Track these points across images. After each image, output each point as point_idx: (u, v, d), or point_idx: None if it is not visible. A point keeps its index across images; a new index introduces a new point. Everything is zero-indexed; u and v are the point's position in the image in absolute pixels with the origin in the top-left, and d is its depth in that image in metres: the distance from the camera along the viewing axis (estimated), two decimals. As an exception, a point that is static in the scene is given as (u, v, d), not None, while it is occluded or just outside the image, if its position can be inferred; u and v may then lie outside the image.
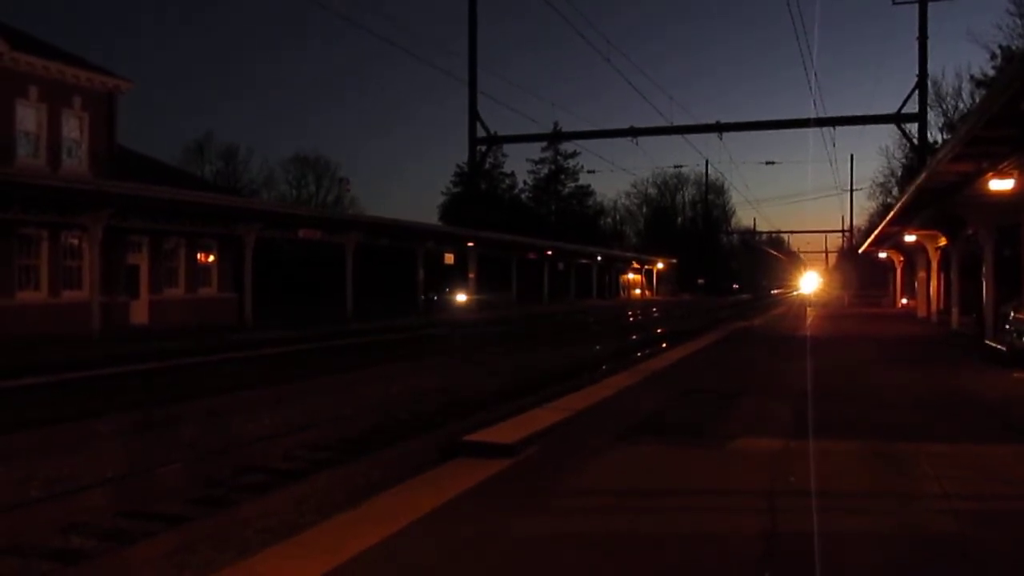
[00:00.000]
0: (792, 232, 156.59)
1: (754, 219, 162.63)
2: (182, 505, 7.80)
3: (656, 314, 52.56)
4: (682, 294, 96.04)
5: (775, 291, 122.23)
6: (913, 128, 41.26)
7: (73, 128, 28.92)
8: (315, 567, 4.42)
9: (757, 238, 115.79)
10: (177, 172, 43.78)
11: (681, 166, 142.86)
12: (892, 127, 43.66)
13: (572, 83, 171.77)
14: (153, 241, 31.73)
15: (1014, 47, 40.46)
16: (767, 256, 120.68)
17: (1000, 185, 14.49)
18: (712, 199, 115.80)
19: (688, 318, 45.41)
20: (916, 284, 37.32)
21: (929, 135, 42.73)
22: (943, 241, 26.33)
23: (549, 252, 59.01)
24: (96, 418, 11.74)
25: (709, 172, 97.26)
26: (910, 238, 29.35)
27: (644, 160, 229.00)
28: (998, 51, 42.75)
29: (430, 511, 5.52)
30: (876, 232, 36.03)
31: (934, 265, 30.54)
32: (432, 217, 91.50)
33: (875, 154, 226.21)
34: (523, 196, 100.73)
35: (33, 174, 24.59)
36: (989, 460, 7.35)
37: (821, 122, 41.34)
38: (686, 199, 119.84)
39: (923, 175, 18.08)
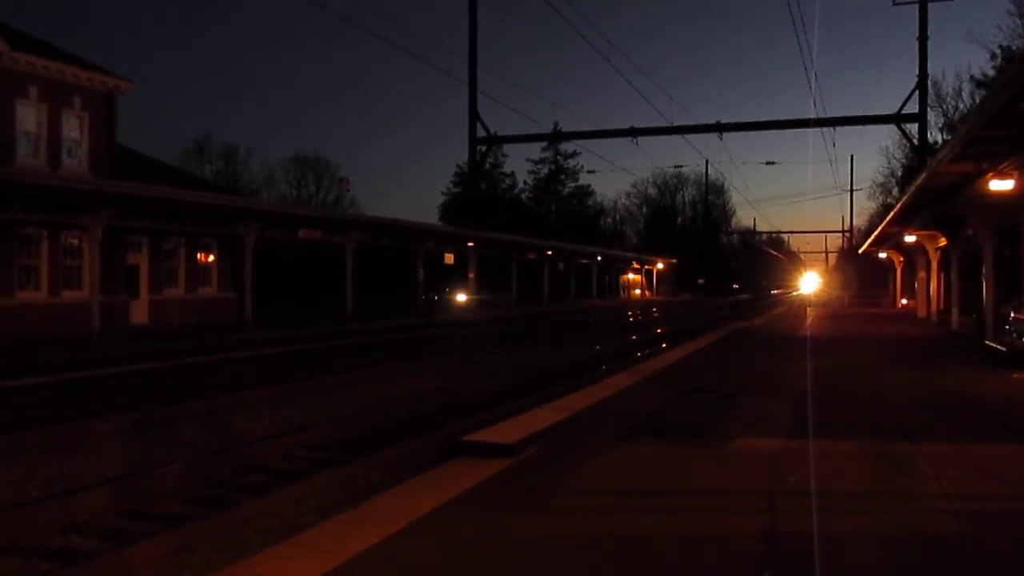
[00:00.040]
0: (792, 232, 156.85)
1: (754, 219, 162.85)
2: (182, 505, 7.80)
3: (656, 314, 52.56)
4: (682, 294, 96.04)
5: (775, 291, 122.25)
6: (913, 128, 41.29)
7: (73, 128, 28.92)
8: (315, 567, 4.42)
9: (757, 238, 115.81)
10: (177, 172, 43.78)
11: (681, 166, 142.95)
12: (892, 127, 43.69)
13: (572, 83, 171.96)
14: (153, 241, 31.74)
15: (1014, 47, 40.49)
16: (767, 256, 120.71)
17: (1000, 185, 14.49)
18: (712, 199, 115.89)
19: (688, 318, 45.41)
20: (916, 284, 37.32)
21: (929, 135, 42.77)
22: (943, 241, 26.33)
23: (549, 252, 59.01)
24: (96, 418, 11.74)
25: (709, 172, 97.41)
26: (910, 238, 29.35)
27: (644, 160, 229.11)
28: (998, 51, 42.78)
29: (430, 511, 5.52)
30: (876, 232, 36.04)
31: (934, 265, 30.54)
32: (432, 217, 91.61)
33: (875, 154, 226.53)
34: (523, 196, 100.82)
35: (33, 174, 24.58)
36: (989, 460, 7.35)
37: (821, 122, 41.37)
38: (686, 199, 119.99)
39: (923, 175, 18.08)
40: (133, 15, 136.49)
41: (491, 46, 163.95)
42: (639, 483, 6.52)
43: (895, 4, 40.63)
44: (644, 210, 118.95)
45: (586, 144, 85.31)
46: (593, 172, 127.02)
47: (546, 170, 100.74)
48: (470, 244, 45.94)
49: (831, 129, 43.34)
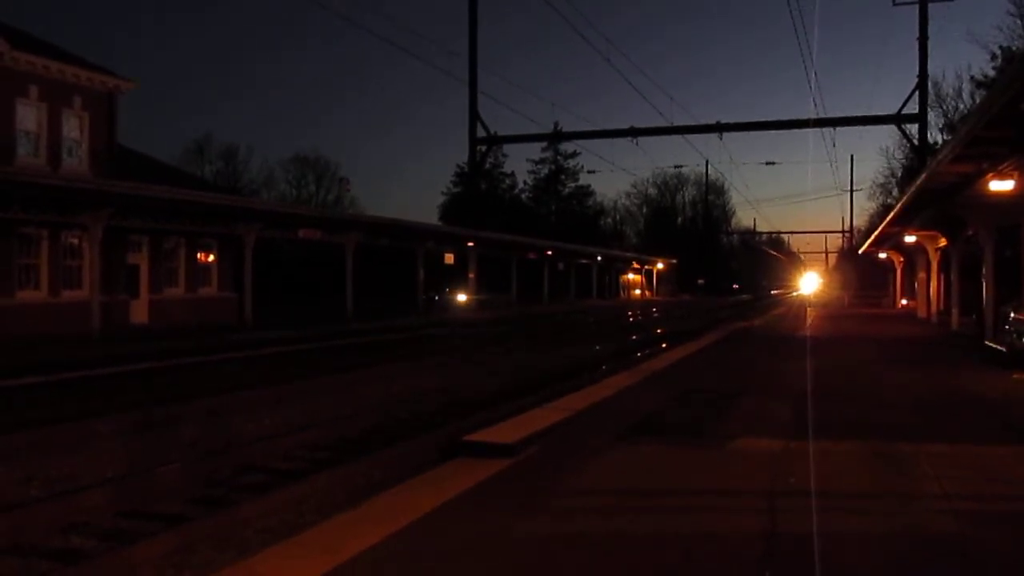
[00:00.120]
0: (792, 232, 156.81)
1: (754, 219, 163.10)
2: (182, 505, 7.79)
3: (656, 314, 52.55)
4: (682, 294, 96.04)
5: (775, 291, 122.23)
6: (913, 129, 41.30)
7: (73, 128, 28.92)
8: (315, 567, 4.42)
9: (757, 238, 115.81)
10: (177, 172, 43.79)
11: (681, 166, 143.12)
12: (892, 128, 43.71)
13: (572, 83, 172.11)
14: (153, 241, 31.74)
15: (1014, 48, 40.47)
16: (767, 256, 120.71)
17: (1000, 186, 14.49)
18: (712, 199, 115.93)
19: (688, 318, 45.41)
20: (916, 285, 37.32)
21: (929, 136, 42.77)
22: (943, 242, 26.33)
23: (549, 252, 59.01)
24: (96, 418, 11.74)
25: (709, 172, 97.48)
26: (910, 239, 29.35)
27: (644, 160, 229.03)
28: (998, 52, 42.77)
29: (430, 511, 5.52)
30: (876, 233, 36.03)
31: (934, 266, 30.54)
32: (432, 217, 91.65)
33: (875, 155, 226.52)
34: (523, 196, 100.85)
35: (33, 173, 24.57)
36: (989, 460, 7.35)
37: (821, 122, 41.41)
38: (686, 199, 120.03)
39: (923, 176, 18.08)
40: (133, 15, 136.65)
41: (491, 46, 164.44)
42: (639, 483, 6.52)
43: (895, 4, 40.67)
44: (644, 210, 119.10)
45: (586, 144, 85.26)
46: (593, 172, 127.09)
47: (546, 170, 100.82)
48: (470, 244, 45.94)
49: (831, 129, 43.45)
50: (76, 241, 28.19)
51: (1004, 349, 15.58)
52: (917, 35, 40.01)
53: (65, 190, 23.66)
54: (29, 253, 26.95)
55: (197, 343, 22.87)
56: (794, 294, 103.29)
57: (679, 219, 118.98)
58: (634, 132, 44.21)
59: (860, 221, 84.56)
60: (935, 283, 31.19)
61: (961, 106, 49.68)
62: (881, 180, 68.70)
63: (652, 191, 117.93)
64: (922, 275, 33.90)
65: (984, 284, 19.00)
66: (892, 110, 41.85)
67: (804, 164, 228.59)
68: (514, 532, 5.12)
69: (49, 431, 10.84)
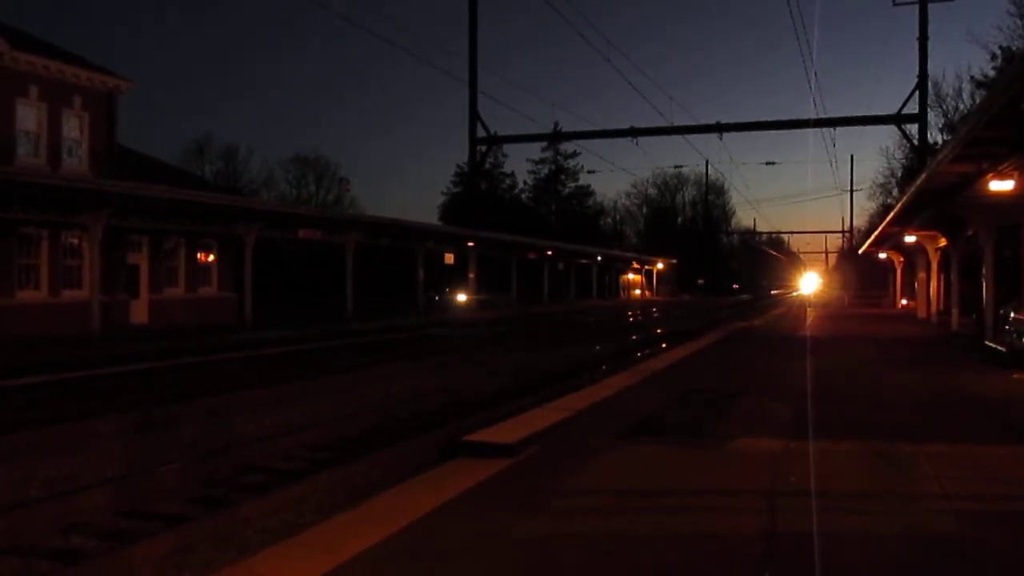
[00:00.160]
0: (792, 232, 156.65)
1: (754, 219, 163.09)
2: (182, 505, 7.79)
3: (656, 314, 52.56)
4: (682, 294, 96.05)
5: (775, 291, 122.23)
6: (913, 129, 41.29)
7: (73, 127, 28.92)
8: (315, 567, 4.42)
9: (757, 238, 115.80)
10: (177, 172, 43.77)
11: (681, 166, 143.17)
12: (892, 128, 43.69)
13: (572, 83, 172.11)
14: (153, 241, 31.74)
15: (1014, 48, 40.46)
16: (767, 256, 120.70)
17: (1000, 186, 14.49)
18: (712, 199, 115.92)
19: (688, 318, 45.42)
20: (916, 285, 37.31)
21: (929, 136, 42.77)
22: (943, 242, 26.33)
23: (549, 252, 59.01)
24: (96, 418, 11.74)
25: (709, 172, 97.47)
26: (910, 239, 29.35)
27: (644, 160, 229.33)
28: (998, 52, 42.74)
29: (430, 511, 5.52)
30: (876, 233, 36.03)
31: (934, 266, 30.54)
32: (432, 217, 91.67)
33: (875, 155, 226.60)
34: (523, 196, 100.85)
35: (33, 173, 24.58)
36: (989, 460, 7.35)
37: (821, 122, 41.40)
38: (686, 199, 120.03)
39: (923, 176, 18.08)
40: (133, 15, 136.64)
41: (491, 46, 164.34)
42: (639, 483, 6.52)
43: (895, 4, 40.66)
44: (644, 210, 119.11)
45: (586, 144, 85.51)
46: (593, 172, 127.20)
47: (546, 170, 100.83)
48: (470, 244, 45.94)
49: (831, 129, 43.40)
50: (76, 241, 28.20)
51: (1004, 349, 15.58)
52: (917, 35, 40.05)
53: (65, 190, 23.66)
54: (29, 253, 26.95)
55: (197, 343, 22.87)
56: (794, 294, 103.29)
57: (679, 219, 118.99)
58: (634, 132, 44.20)
59: (860, 221, 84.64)
60: (935, 283, 31.19)
61: (961, 106, 49.72)
62: (881, 180, 68.76)
63: (652, 191, 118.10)
64: (922, 275, 33.90)
65: (984, 284, 19.00)
66: (892, 110, 41.88)
67: (804, 164, 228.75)
68: (514, 532, 5.12)
69: (49, 431, 10.85)
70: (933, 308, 30.84)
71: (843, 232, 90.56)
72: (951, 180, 16.98)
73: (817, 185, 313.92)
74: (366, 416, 12.40)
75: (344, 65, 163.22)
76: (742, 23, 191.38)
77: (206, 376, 17.24)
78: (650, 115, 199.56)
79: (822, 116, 43.01)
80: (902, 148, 56.29)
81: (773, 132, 55.62)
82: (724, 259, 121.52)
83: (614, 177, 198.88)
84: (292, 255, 49.59)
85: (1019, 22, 42.13)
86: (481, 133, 47.11)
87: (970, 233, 21.59)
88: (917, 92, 40.27)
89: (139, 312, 31.00)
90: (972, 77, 49.32)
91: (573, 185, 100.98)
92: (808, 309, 48.64)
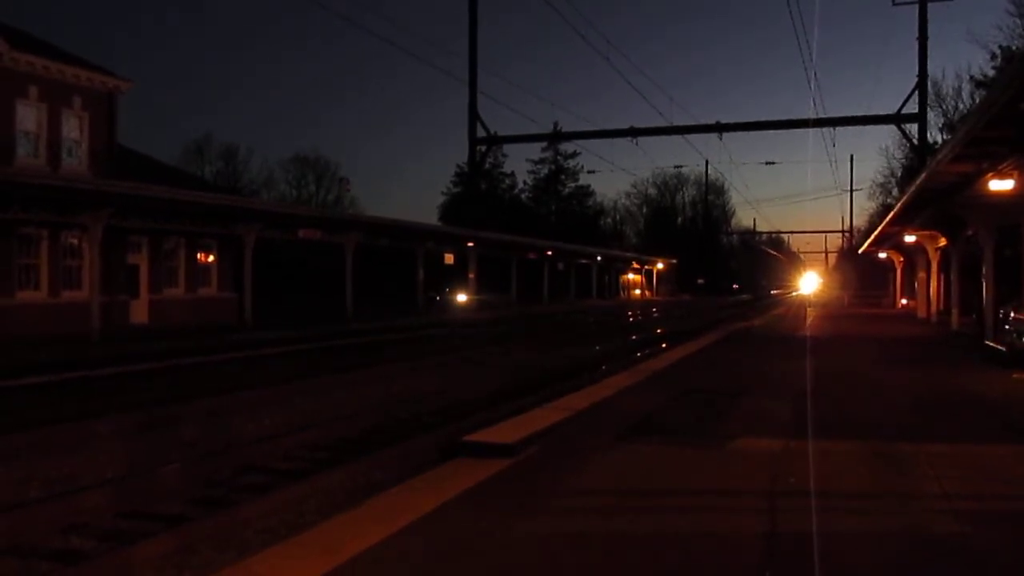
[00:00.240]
0: (792, 232, 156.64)
1: (754, 219, 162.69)
2: (182, 505, 7.79)
3: (656, 314, 52.56)
4: (682, 294, 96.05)
5: (775, 291, 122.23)
6: (913, 128, 41.33)
7: (73, 128, 28.92)
8: (315, 567, 4.42)
9: (757, 238, 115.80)
10: (177, 172, 43.80)
11: (681, 166, 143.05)
12: (892, 127, 43.73)
13: (572, 83, 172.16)
14: (153, 241, 31.73)
15: (1014, 47, 40.45)
16: (767, 256, 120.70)
17: (1000, 185, 14.49)
18: (712, 199, 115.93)
19: (688, 318, 45.42)
20: (916, 284, 37.31)
21: (929, 135, 42.79)
22: (943, 241, 26.33)
23: (549, 252, 59.01)
24: (96, 418, 11.74)
25: (709, 172, 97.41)
26: (910, 238, 29.35)
27: (644, 160, 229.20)
28: (998, 51, 42.73)
29: (430, 511, 5.51)
30: (876, 232, 36.03)
31: (934, 265, 30.53)
32: (432, 217, 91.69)
33: (875, 154, 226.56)
34: (523, 196, 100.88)
35: (33, 174, 24.58)
36: (989, 460, 7.35)
37: (821, 122, 41.44)
38: (686, 199, 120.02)
39: (923, 176, 18.08)
40: (133, 15, 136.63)
41: (491, 46, 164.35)
42: (639, 483, 6.52)
43: (895, 4, 40.68)
44: (644, 210, 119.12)
45: (586, 144, 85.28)
46: (593, 172, 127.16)
47: (546, 170, 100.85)
48: (470, 244, 45.94)
49: (831, 129, 43.46)
50: (76, 241, 28.18)
51: (1004, 349, 15.58)
52: (917, 35, 40.06)
53: (65, 190, 23.65)
54: (29, 253, 26.94)
55: (197, 343, 22.87)
56: (794, 294, 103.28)
57: (679, 219, 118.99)
58: (634, 132, 44.22)
59: (860, 221, 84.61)
60: (935, 283, 31.19)
61: (961, 106, 49.72)
62: (881, 180, 68.77)
63: (652, 191, 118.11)
64: (922, 275, 33.90)
65: (984, 284, 19.00)
66: (892, 110, 41.91)
67: (804, 164, 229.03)
68: (514, 532, 5.12)
69: (49, 431, 10.85)
70: (933, 308, 30.84)
71: (843, 232, 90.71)
72: (951, 180, 16.98)
73: (817, 185, 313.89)
74: (366, 416, 12.39)
75: (344, 65, 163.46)
76: (742, 23, 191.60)
77: (206, 376, 17.24)
78: (650, 115, 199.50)
79: (822, 116, 43.08)
80: (902, 148, 56.37)
81: (773, 132, 55.67)
82: (724, 259, 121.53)
83: (614, 177, 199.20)
84: (292, 255, 49.47)
85: (1019, 22, 42.15)
86: (481, 133, 47.15)
87: (970, 233, 21.58)
88: (917, 92, 40.30)
89: (139, 312, 30.99)
90: (972, 77, 49.33)
91: (573, 185, 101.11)
92: (808, 309, 48.65)
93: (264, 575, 4.45)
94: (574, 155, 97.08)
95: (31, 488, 8.35)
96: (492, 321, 38.34)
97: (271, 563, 4.60)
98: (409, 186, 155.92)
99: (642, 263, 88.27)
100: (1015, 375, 13.56)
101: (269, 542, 5.49)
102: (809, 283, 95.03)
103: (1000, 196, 15.16)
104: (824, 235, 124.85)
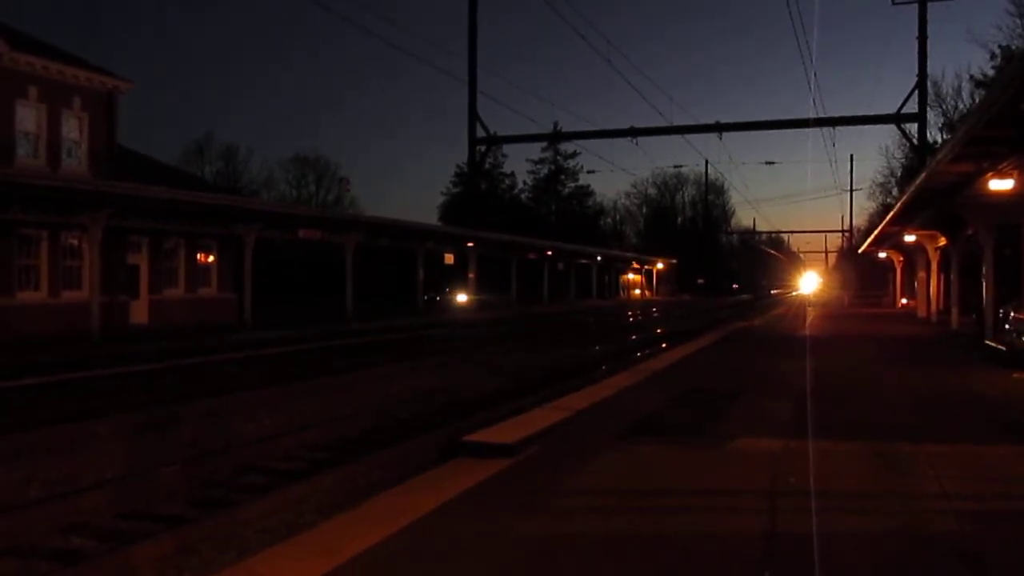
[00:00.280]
0: (792, 232, 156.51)
1: (754, 219, 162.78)
2: (182, 506, 7.79)
3: (656, 314, 52.55)
4: (682, 294, 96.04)
5: (775, 291, 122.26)
6: (913, 128, 41.34)
7: (73, 128, 28.90)
8: (315, 567, 4.42)
9: (757, 238, 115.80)
10: (177, 172, 43.79)
11: (681, 166, 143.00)
12: (892, 127, 43.74)
13: (572, 83, 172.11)
14: (153, 241, 31.72)
15: (1014, 47, 40.45)
16: (767, 256, 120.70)
17: (1000, 185, 14.49)
18: (712, 199, 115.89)
19: (688, 318, 45.42)
20: (916, 284, 37.32)
21: (929, 135, 42.81)
22: (943, 241, 26.33)
23: (549, 252, 59.01)
24: (96, 419, 11.73)
25: (709, 172, 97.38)
26: (910, 238, 29.35)
27: (644, 160, 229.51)
28: (998, 51, 42.72)
29: (430, 511, 5.52)
30: (876, 232, 36.03)
31: (934, 265, 30.54)
32: (432, 217, 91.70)
33: (875, 154, 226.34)
34: (523, 196, 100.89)
35: (33, 174, 24.57)
36: (989, 460, 7.35)
37: (821, 122, 41.40)
38: (686, 199, 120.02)
39: (923, 175, 18.08)
40: (133, 15, 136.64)
41: (491, 46, 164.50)
42: (639, 483, 6.52)
43: (894, 4, 40.68)
44: (644, 210, 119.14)
45: (586, 144, 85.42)
46: (593, 172, 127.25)
47: (546, 170, 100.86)
48: (470, 244, 45.94)
49: (831, 129, 43.41)
50: (76, 242, 28.17)
51: (1004, 348, 15.58)
52: (917, 35, 40.06)
53: (64, 191, 23.65)
54: (29, 254, 26.93)
55: (197, 343, 22.87)
56: (794, 294, 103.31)
57: (679, 219, 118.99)
58: (634, 132, 44.23)
59: (860, 221, 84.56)
60: (935, 282, 31.19)
61: (961, 105, 49.71)
62: (881, 180, 68.76)
63: (652, 191, 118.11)
64: (922, 274, 33.91)
65: (984, 283, 19.00)
66: (892, 110, 41.91)
67: (804, 164, 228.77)
68: (514, 532, 5.12)
69: (48, 432, 10.83)
70: (933, 307, 30.84)
71: (843, 232, 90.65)
72: (951, 179, 16.98)
73: (817, 185, 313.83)
74: (366, 416, 12.39)
75: (344, 65, 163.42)
76: (742, 23, 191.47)
77: (206, 377, 17.23)
78: (650, 115, 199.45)
79: (822, 116, 43.06)
80: (902, 147, 56.37)
81: (773, 132, 55.68)
82: (724, 259, 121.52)
83: (614, 177, 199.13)
84: (292, 255, 49.49)
85: (1018, 21, 42.14)
86: (481, 133, 47.16)
87: (970, 232, 21.59)
88: (917, 91, 40.31)
89: (139, 313, 30.99)
90: (972, 76, 49.35)
91: (573, 185, 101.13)
92: (808, 309, 48.66)
93: (264, 575, 4.45)
94: (574, 155, 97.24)
95: (31, 488, 8.35)
96: (492, 321, 38.33)
97: (271, 563, 4.61)
98: (409, 186, 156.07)
99: (642, 263, 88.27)
100: (1015, 375, 13.57)
101: (269, 542, 5.50)
102: (809, 283, 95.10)
103: (1000, 196, 15.16)
104: (824, 235, 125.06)
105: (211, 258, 35.31)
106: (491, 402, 13.67)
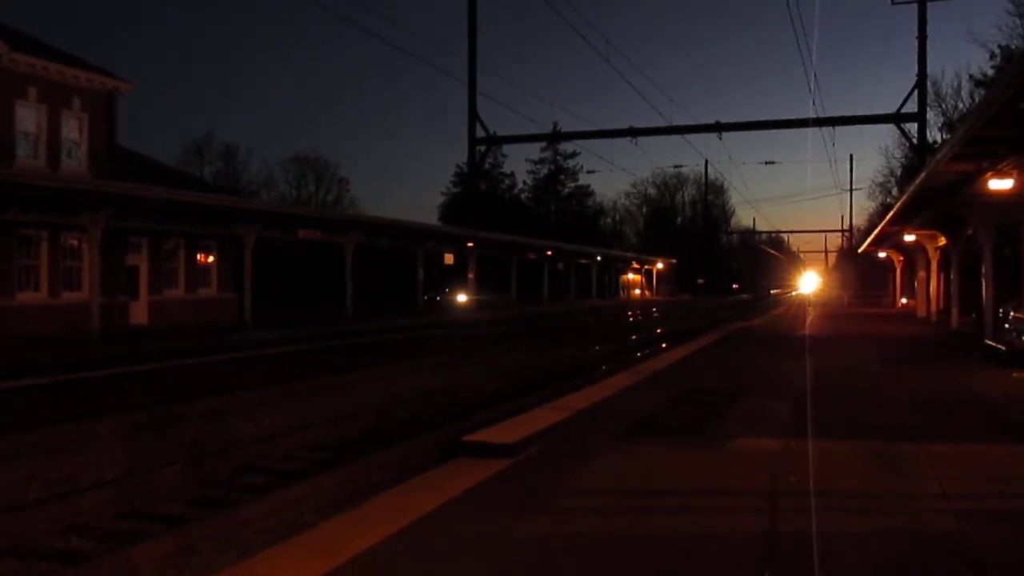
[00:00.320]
0: (792, 232, 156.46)
1: (754, 219, 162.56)
2: (182, 506, 7.79)
3: (656, 314, 52.56)
4: (682, 294, 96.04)
5: (775, 291, 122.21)
6: (913, 128, 41.35)
7: (73, 129, 28.90)
8: (315, 567, 4.42)
9: (757, 238, 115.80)
10: (176, 172, 43.79)
11: (681, 166, 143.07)
12: (892, 127, 43.77)
13: (572, 83, 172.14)
14: (153, 242, 31.72)
15: (1013, 47, 40.41)
16: (767, 256, 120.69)
17: (1000, 185, 14.49)
18: (712, 199, 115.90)
19: (688, 318, 45.42)
20: (916, 284, 37.32)
21: (929, 135, 42.80)
22: (943, 241, 26.33)
23: (549, 252, 59.01)
24: (95, 419, 11.73)
25: (709, 172, 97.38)
26: (910, 238, 29.35)
27: (644, 160, 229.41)
28: (997, 51, 42.66)
29: (430, 511, 5.52)
30: (876, 232, 36.03)
31: (934, 265, 30.54)
32: (432, 217, 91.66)
33: (875, 154, 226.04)
34: (523, 196, 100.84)
35: (33, 175, 24.56)
36: (989, 460, 7.35)
37: (820, 122, 41.39)
38: (686, 199, 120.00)
39: (923, 175, 18.08)
40: (133, 15, 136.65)
41: (491, 46, 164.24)
42: (639, 483, 6.52)
43: (894, 4, 40.68)
44: (644, 210, 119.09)
45: (586, 144, 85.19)
46: (593, 172, 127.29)
47: (546, 170, 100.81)
48: (470, 244, 45.93)
49: (831, 129, 43.40)
50: (76, 242, 28.16)
51: (1004, 348, 15.59)
52: (916, 35, 40.06)
53: (64, 191, 23.64)
54: (29, 254, 26.93)
55: (197, 344, 22.87)
56: (794, 293, 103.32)
57: (679, 219, 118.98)
58: (634, 132, 44.24)
59: (860, 220, 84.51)
60: (935, 282, 31.20)
61: (960, 105, 49.69)
62: (881, 179, 68.73)
63: (652, 191, 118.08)
64: (922, 274, 33.91)
65: (984, 283, 19.00)
66: (892, 109, 41.92)
67: (804, 164, 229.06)
68: (514, 532, 5.12)
69: (48, 432, 10.84)
70: (933, 307, 30.84)
71: (843, 231, 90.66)
72: (950, 179, 16.98)
73: (817, 184, 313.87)
74: (366, 416, 12.39)
75: (344, 65, 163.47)
76: (742, 23, 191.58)
77: (206, 377, 17.23)
78: (650, 115, 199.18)
79: (821, 116, 43.02)
80: (901, 147, 56.35)
81: (772, 132, 55.69)
82: (724, 259, 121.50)
83: (614, 177, 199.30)
84: (292, 255, 49.46)
85: (1018, 21, 42.10)
86: (481, 133, 47.17)
87: (970, 232, 21.58)
88: (916, 91, 40.31)
89: (139, 313, 30.99)
90: (971, 76, 49.31)
91: (573, 185, 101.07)
92: (808, 308, 48.66)
93: (264, 575, 4.45)
94: (574, 155, 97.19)
95: (31, 488, 8.35)
96: (492, 321, 38.33)
97: (271, 563, 4.61)
98: (409, 186, 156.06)
99: (642, 263, 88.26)
100: (1015, 374, 13.57)
101: (269, 542, 5.50)
102: (809, 282, 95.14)
103: (1000, 195, 15.16)
104: (824, 234, 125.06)
105: (211, 258, 35.31)
106: (491, 402, 13.67)
